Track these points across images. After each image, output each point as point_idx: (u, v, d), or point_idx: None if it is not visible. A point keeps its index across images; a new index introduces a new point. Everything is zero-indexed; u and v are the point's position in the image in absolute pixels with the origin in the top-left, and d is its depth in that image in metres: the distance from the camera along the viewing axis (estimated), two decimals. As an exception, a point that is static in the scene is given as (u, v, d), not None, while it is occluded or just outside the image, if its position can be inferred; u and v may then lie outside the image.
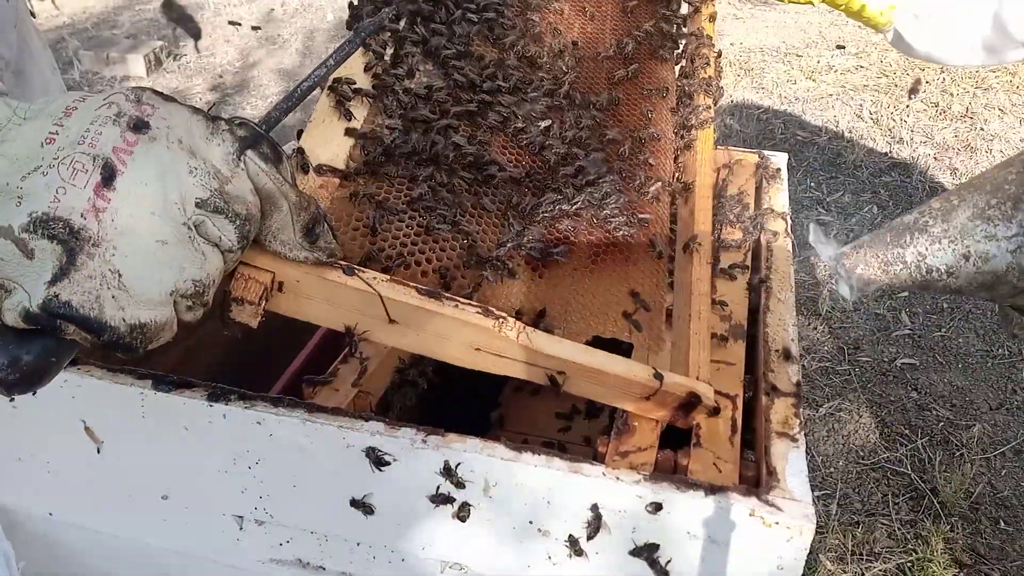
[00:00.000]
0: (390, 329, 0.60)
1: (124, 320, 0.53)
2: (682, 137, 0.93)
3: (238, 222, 0.56)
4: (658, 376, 0.65)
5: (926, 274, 0.60)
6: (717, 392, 0.74)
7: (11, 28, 1.06)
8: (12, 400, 0.55)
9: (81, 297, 0.51)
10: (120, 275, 0.53)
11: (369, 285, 0.59)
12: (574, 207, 0.73)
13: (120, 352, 0.55)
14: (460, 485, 0.63)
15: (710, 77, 0.98)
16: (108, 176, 0.52)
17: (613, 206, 0.76)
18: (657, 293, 0.76)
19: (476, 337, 0.61)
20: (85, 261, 0.51)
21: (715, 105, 1.01)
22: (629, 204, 0.78)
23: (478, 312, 0.61)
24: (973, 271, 0.59)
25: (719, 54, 1.04)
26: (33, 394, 0.52)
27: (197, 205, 0.55)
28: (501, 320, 0.61)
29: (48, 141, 0.52)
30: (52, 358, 0.53)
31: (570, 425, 1.08)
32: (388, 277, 0.61)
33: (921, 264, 0.60)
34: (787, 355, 0.75)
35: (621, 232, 0.76)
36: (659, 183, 0.82)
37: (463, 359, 0.62)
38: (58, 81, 1.28)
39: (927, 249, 0.60)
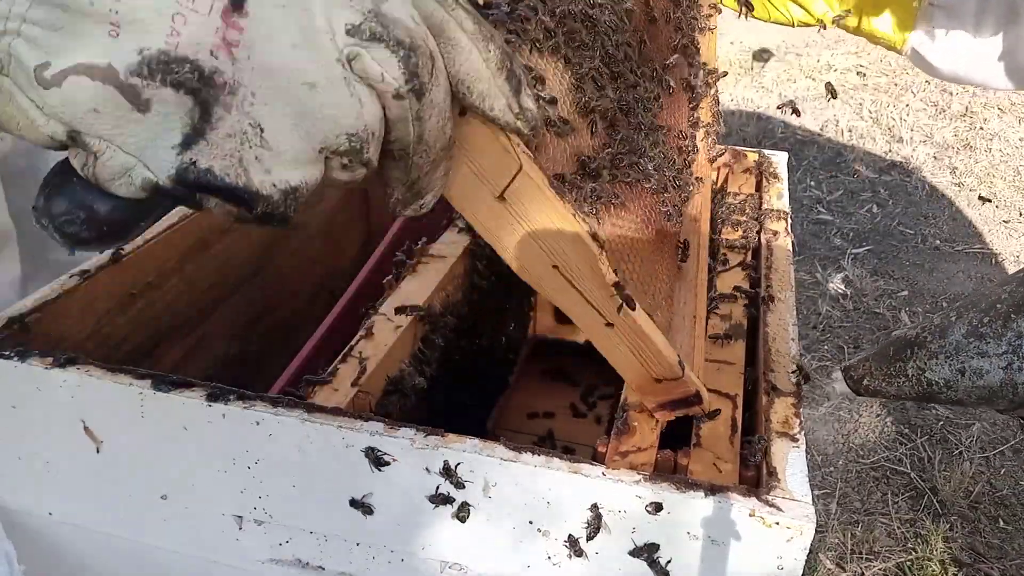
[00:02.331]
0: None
1: (275, 185, 0.42)
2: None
3: (401, 52, 0.42)
4: (681, 365, 0.65)
5: (927, 387, 0.63)
6: (717, 392, 0.74)
7: None
8: (72, 253, 0.43)
9: (223, 162, 0.40)
10: (262, 130, 0.41)
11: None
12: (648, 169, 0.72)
13: (274, 224, 0.43)
14: (460, 485, 0.63)
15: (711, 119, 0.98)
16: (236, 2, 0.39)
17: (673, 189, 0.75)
18: (672, 289, 0.75)
19: (572, 254, 0.58)
20: (222, 115, 0.39)
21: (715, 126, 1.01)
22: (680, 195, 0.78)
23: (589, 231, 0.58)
24: (970, 386, 0.62)
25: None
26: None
27: (348, 33, 0.41)
28: (601, 251, 0.59)
29: None
30: (137, 214, 0.42)
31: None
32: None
33: (921, 378, 0.63)
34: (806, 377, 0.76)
35: (668, 215, 0.75)
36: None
37: (534, 271, 0.59)
38: None
39: (925, 364, 0.63)
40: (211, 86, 0.39)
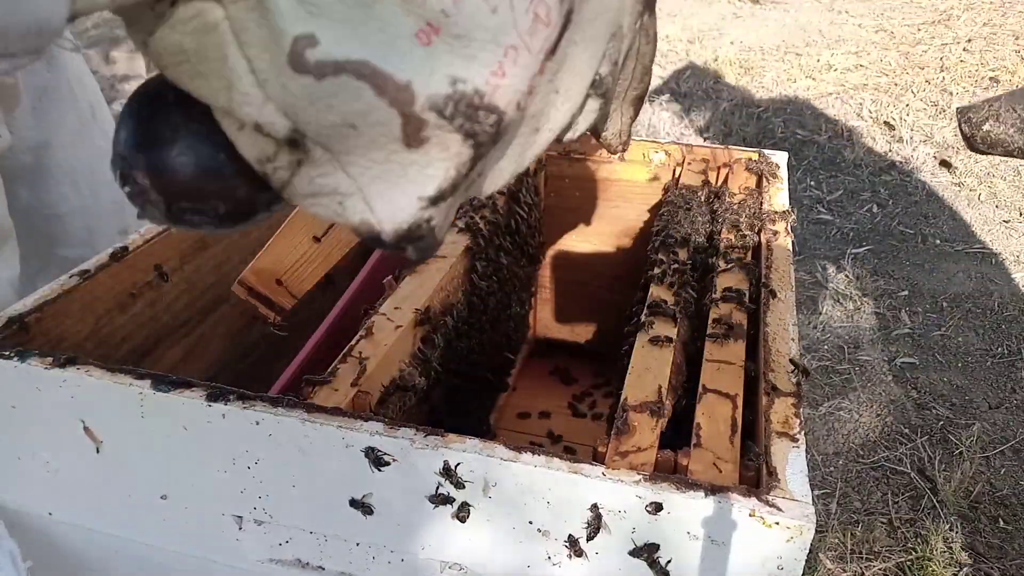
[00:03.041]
0: None
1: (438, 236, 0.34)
2: None
3: None
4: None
5: None
6: (717, 392, 0.73)
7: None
8: (168, 228, 0.35)
9: (445, 220, 0.33)
10: (474, 181, 0.33)
11: None
12: None
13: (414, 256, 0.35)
14: (460, 485, 0.63)
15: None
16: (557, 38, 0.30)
17: None
18: None
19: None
20: (475, 173, 0.32)
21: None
22: None
23: None
24: None
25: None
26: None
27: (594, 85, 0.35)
28: None
29: None
30: (264, 207, 0.33)
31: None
32: None
33: None
34: (806, 373, 0.76)
35: None
36: None
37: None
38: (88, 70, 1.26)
39: None
40: (496, 139, 0.30)
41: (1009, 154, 0.53)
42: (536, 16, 0.29)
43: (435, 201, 0.30)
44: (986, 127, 0.53)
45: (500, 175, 0.34)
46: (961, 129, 0.56)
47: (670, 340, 0.82)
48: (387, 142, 0.29)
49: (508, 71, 0.29)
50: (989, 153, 0.55)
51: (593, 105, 0.37)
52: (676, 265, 0.98)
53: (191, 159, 0.29)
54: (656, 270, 0.97)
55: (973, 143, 0.55)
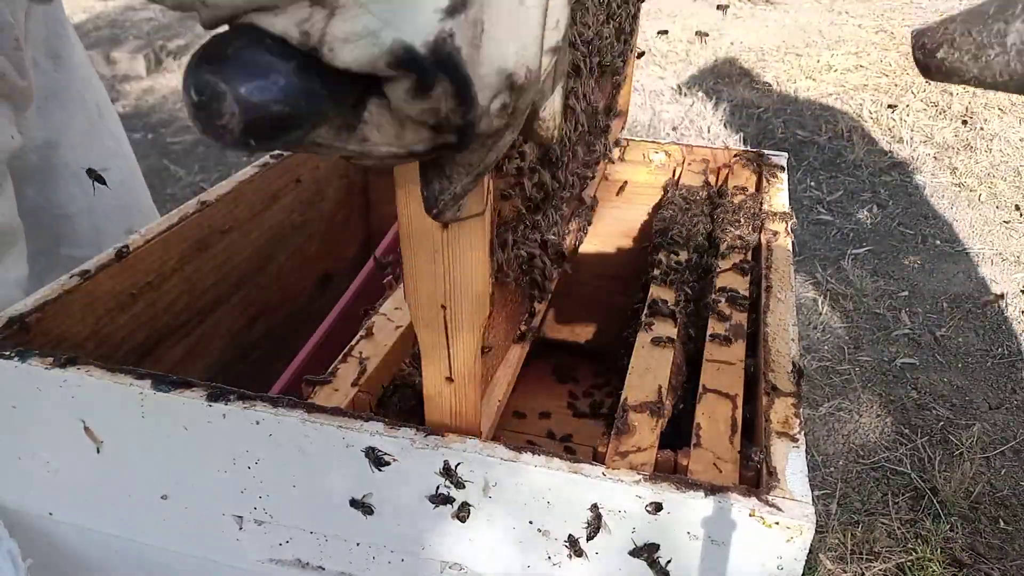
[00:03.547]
0: None
1: (485, 98, 0.38)
2: None
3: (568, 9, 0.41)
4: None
5: None
6: (717, 392, 0.74)
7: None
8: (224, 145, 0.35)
9: (467, 48, 0.36)
10: (483, 31, 0.37)
11: None
12: None
13: (456, 150, 0.40)
14: (460, 485, 0.63)
15: None
16: None
17: None
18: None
19: (466, 305, 0.61)
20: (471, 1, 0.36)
21: None
22: None
23: None
24: None
25: None
26: (250, 146, 0.35)
27: None
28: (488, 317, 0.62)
29: None
30: (311, 110, 0.36)
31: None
32: None
33: None
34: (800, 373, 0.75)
35: None
36: None
37: (421, 297, 0.61)
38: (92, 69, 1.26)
39: None
40: None
41: (965, 83, 0.48)
42: None
43: (451, 12, 0.35)
44: (940, 54, 0.48)
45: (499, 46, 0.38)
46: (915, 56, 0.49)
47: (670, 340, 0.82)
48: None
49: None
50: (946, 82, 0.51)
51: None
52: (676, 265, 0.98)
53: (249, 62, 0.34)
54: (656, 271, 0.97)
55: (928, 71, 0.50)
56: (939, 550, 1.59)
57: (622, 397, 0.73)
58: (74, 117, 1.14)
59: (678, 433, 0.77)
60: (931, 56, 0.48)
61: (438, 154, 0.41)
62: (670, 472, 0.64)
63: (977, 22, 0.46)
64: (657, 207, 1.28)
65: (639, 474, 0.60)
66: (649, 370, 0.78)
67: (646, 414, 0.70)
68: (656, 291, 0.92)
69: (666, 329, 0.84)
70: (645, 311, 0.88)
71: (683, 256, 1.01)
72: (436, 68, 0.35)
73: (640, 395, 0.73)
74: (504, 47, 0.38)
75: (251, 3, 0.33)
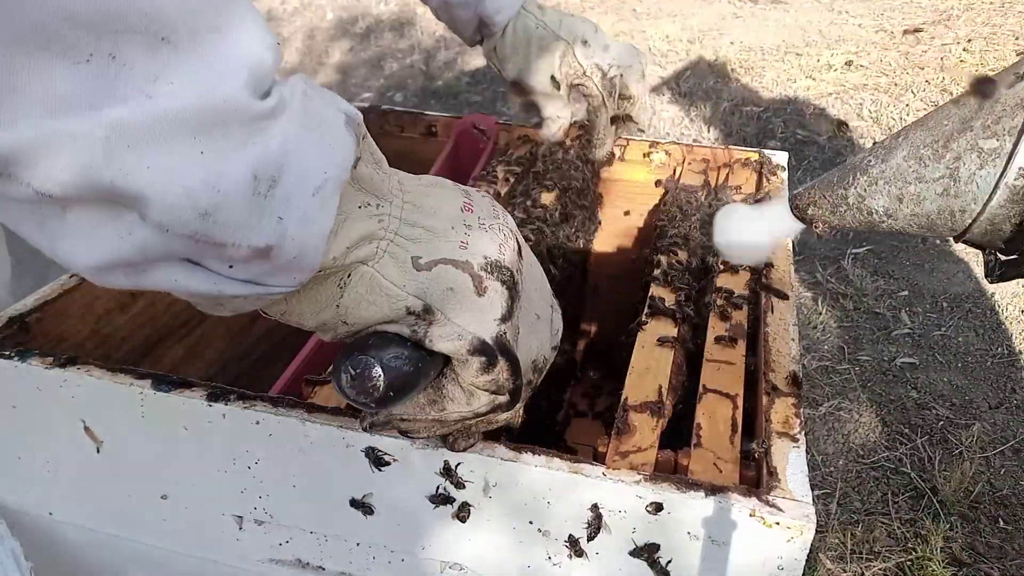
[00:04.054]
0: None
1: (525, 374, 0.58)
2: None
3: None
4: None
5: (868, 215, 0.60)
6: (717, 392, 0.74)
7: None
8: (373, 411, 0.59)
9: (512, 343, 0.55)
10: (518, 332, 0.57)
11: None
12: None
13: (503, 410, 0.57)
14: (460, 485, 0.63)
15: None
16: (519, 250, 0.58)
17: None
18: None
19: None
20: (515, 311, 0.55)
21: None
22: None
23: None
24: (908, 214, 0.58)
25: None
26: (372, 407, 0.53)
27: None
28: None
29: (466, 208, 0.56)
30: (418, 380, 0.54)
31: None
32: None
33: (862, 206, 0.60)
34: (795, 381, 0.75)
35: None
36: None
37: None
38: None
39: (865, 191, 0.59)
40: (516, 291, 0.55)
41: (833, 229, 0.64)
42: (504, 236, 0.56)
43: (502, 320, 0.54)
44: (809, 211, 0.63)
45: (527, 341, 0.60)
46: (791, 211, 0.65)
47: (671, 340, 0.82)
48: (470, 293, 0.53)
49: (505, 253, 0.55)
50: (819, 227, 0.65)
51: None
52: (676, 265, 0.98)
53: (388, 355, 0.52)
54: (656, 270, 0.97)
55: (804, 221, 0.65)
56: (939, 550, 1.59)
57: (623, 397, 0.73)
58: None
59: (678, 433, 0.77)
60: (803, 212, 0.64)
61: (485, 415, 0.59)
62: (670, 472, 0.64)
63: (827, 189, 0.62)
64: (657, 206, 1.28)
65: (639, 474, 0.60)
66: (649, 370, 0.78)
67: (646, 414, 0.70)
68: (656, 291, 0.92)
69: (666, 329, 0.84)
70: (645, 311, 0.88)
71: (683, 256, 1.01)
72: (498, 352, 0.53)
73: (640, 395, 0.73)
74: (531, 344, 0.60)
75: (378, 320, 0.52)
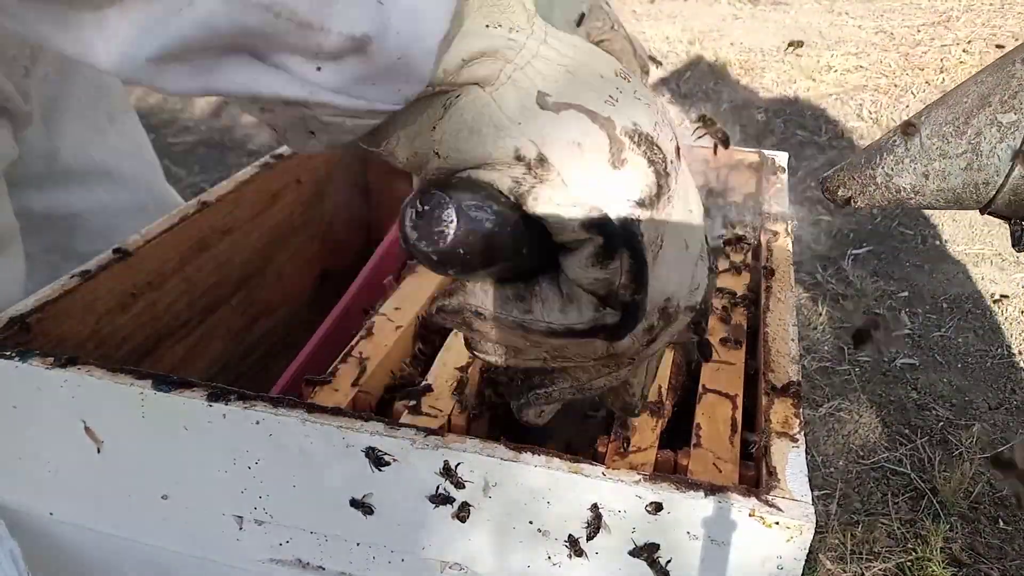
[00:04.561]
0: None
1: (648, 305, 0.45)
2: None
3: None
4: None
5: (896, 193, 0.61)
6: (717, 392, 0.74)
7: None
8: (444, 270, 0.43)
9: (645, 244, 0.43)
10: (661, 246, 0.44)
11: None
12: None
13: (606, 337, 0.45)
14: (460, 485, 0.63)
15: None
16: (678, 151, 0.46)
17: None
18: None
19: None
20: (657, 209, 0.43)
21: None
22: None
23: None
24: (935, 189, 0.59)
25: None
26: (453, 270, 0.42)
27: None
28: None
29: (622, 75, 0.44)
30: (497, 250, 0.42)
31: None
32: None
33: (890, 184, 0.61)
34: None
35: None
36: None
37: None
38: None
39: (892, 170, 0.60)
40: (665, 183, 0.44)
41: (860, 209, 0.65)
42: (664, 121, 0.44)
43: (640, 204, 0.42)
44: (839, 192, 0.64)
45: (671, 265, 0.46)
46: (823, 193, 0.67)
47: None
48: (602, 158, 0.41)
49: (660, 135, 0.43)
50: (849, 206, 0.66)
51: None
52: None
53: (468, 210, 0.41)
54: None
55: (835, 203, 0.66)
56: (939, 550, 1.59)
57: None
58: (78, 125, 1.15)
59: (677, 433, 0.77)
60: (833, 194, 0.65)
61: (586, 339, 0.47)
62: (670, 472, 0.64)
63: (855, 170, 0.63)
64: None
65: (639, 474, 0.60)
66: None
67: (646, 414, 0.70)
68: None
69: None
70: None
71: None
72: (621, 239, 0.42)
73: None
74: (670, 274, 0.46)
75: (478, 159, 0.42)
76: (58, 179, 1.14)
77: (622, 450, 0.67)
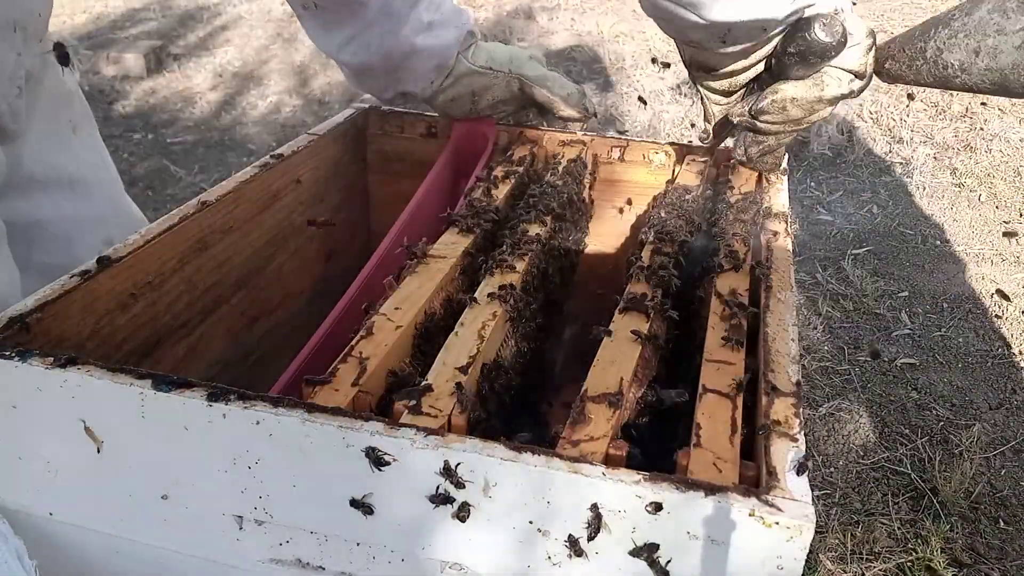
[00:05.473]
0: None
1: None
2: None
3: None
4: None
5: (943, 70, 0.60)
6: (717, 392, 0.74)
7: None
8: None
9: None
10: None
11: None
12: None
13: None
14: (460, 485, 0.63)
15: None
16: None
17: None
18: None
19: None
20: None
21: None
22: None
23: None
24: (983, 67, 0.58)
25: None
26: None
27: None
28: None
29: None
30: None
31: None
32: None
33: (938, 59, 0.60)
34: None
35: None
36: None
37: None
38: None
39: (944, 43, 0.59)
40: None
41: (907, 83, 0.67)
42: None
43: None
44: (887, 65, 0.66)
45: None
46: (873, 68, 0.69)
47: (638, 335, 0.82)
48: None
49: None
50: (896, 82, 0.69)
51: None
52: (657, 260, 0.99)
53: None
54: (635, 266, 0.98)
55: (880, 76, 0.69)
56: (939, 550, 1.59)
57: (583, 388, 0.74)
58: (40, 133, 1.14)
59: (677, 433, 0.77)
60: (881, 66, 0.67)
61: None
62: (622, 463, 0.65)
63: (908, 42, 0.63)
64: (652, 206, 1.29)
65: (639, 474, 0.60)
66: (614, 363, 0.78)
67: (604, 405, 0.71)
68: (632, 286, 0.93)
69: (637, 324, 0.85)
70: (619, 306, 0.89)
71: (668, 251, 1.01)
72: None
73: (601, 386, 0.74)
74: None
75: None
76: (20, 186, 1.13)
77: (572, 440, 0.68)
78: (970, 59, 0.58)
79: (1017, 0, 0.56)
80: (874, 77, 0.73)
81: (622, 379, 0.75)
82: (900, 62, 0.63)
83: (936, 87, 0.61)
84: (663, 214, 1.12)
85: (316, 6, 1.14)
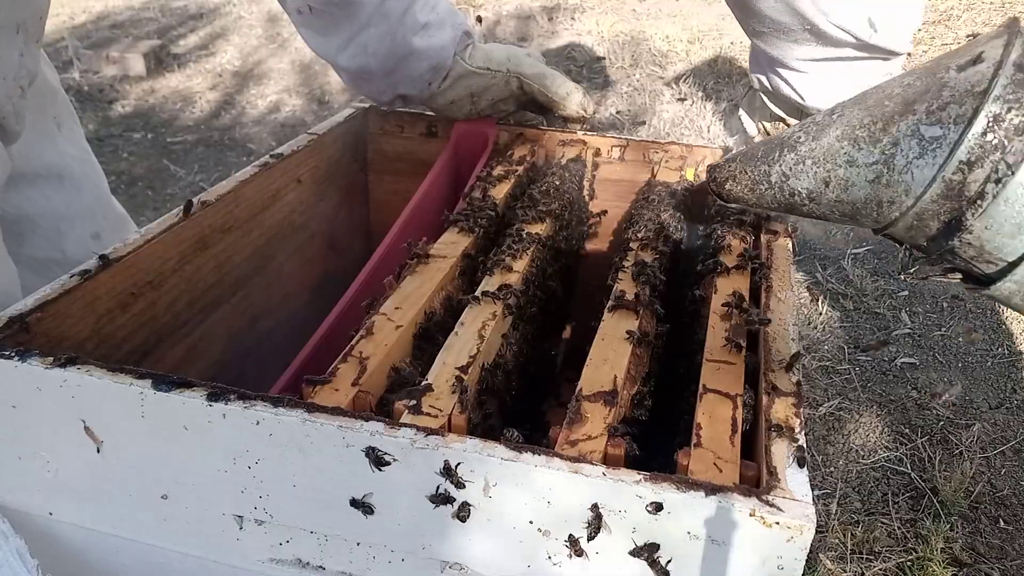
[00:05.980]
0: None
1: None
2: None
3: None
4: None
5: (790, 197, 0.55)
6: (717, 392, 0.74)
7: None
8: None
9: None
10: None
11: None
12: None
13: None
14: (460, 485, 0.63)
15: None
16: None
17: None
18: None
19: None
20: None
21: None
22: None
23: None
24: (833, 199, 0.54)
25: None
26: None
27: None
28: None
29: None
30: None
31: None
32: None
33: (784, 186, 0.55)
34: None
35: None
36: None
37: None
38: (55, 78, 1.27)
39: (791, 170, 0.55)
40: None
41: (748, 208, 0.62)
42: None
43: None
44: (727, 186, 0.60)
45: None
46: (708, 186, 0.61)
47: (630, 333, 0.82)
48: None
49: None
50: (737, 205, 0.62)
51: None
52: (644, 258, 0.99)
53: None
54: (623, 263, 0.98)
55: (721, 197, 0.61)
56: (939, 550, 1.59)
57: (578, 387, 0.74)
58: (27, 128, 1.15)
59: (676, 433, 0.77)
60: (721, 187, 0.60)
61: None
62: (622, 462, 0.65)
63: (750, 163, 0.57)
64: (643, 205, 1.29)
65: (639, 474, 0.60)
66: (607, 361, 0.78)
67: (599, 404, 0.71)
68: (620, 284, 0.93)
69: (627, 321, 0.85)
70: (608, 303, 0.89)
71: (656, 248, 1.02)
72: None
73: (595, 385, 0.74)
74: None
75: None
76: (10, 181, 1.13)
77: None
78: (820, 189, 0.54)
79: (867, 129, 0.52)
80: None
81: (616, 377, 0.75)
82: (741, 184, 0.58)
83: (781, 212, 0.58)
84: (648, 213, 1.12)
85: (311, 9, 1.14)
